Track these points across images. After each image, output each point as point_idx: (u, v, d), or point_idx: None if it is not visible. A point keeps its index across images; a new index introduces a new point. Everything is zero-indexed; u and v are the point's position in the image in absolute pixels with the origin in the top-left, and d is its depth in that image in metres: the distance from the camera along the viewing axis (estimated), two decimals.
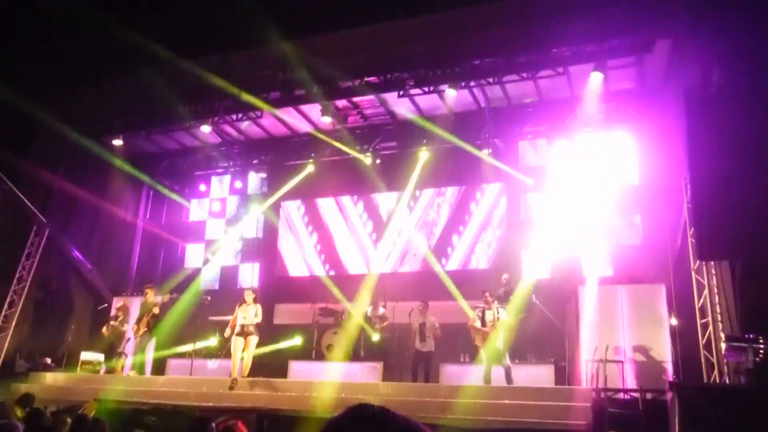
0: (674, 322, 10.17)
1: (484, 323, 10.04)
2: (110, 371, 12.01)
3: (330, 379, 10.61)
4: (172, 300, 11.75)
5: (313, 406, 8.63)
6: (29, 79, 11.89)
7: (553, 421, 7.67)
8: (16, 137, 12.71)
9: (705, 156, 8.28)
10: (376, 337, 11.44)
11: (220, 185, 16.33)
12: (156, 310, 11.77)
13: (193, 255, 16.00)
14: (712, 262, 9.32)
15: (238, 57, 12.01)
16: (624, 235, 12.10)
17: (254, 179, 15.92)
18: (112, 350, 12.07)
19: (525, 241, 12.73)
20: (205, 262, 15.04)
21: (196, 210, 16.32)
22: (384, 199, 14.47)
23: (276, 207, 15.65)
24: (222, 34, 10.62)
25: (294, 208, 15.39)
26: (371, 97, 12.77)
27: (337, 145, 13.85)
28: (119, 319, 12.11)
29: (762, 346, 6.91)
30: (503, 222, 13.30)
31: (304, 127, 14.42)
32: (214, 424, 4.57)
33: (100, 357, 12.64)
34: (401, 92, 12.26)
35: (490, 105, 12.97)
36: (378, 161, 14.29)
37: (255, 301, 10.59)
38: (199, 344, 12.02)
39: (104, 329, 12.19)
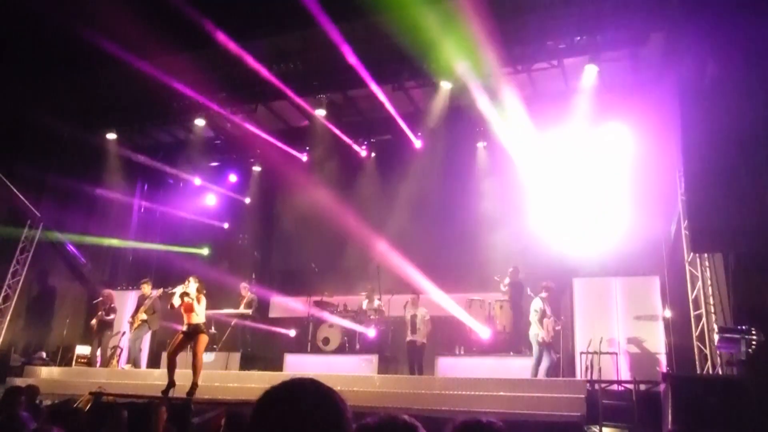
0: (668, 314, 10.23)
1: (545, 315, 9.98)
2: (105, 364, 12.05)
3: (325, 372, 10.65)
4: (167, 294, 11.75)
5: None
6: (21, 72, 11.84)
7: (548, 413, 7.70)
8: (9, 131, 12.63)
9: (699, 148, 8.30)
10: (371, 331, 11.46)
11: (215, 178, 16.26)
12: (147, 309, 11.77)
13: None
14: (706, 254, 9.37)
15: (233, 50, 11.96)
16: (618, 227, 12.12)
17: (249, 172, 15.89)
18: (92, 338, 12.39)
19: (520, 233, 12.74)
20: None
21: (191, 203, 16.26)
22: (380, 191, 14.42)
23: (271, 199, 15.64)
24: (217, 26, 10.55)
25: (289, 200, 15.33)
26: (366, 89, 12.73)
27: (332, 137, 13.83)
28: (106, 307, 12.28)
29: (754, 337, 6.95)
30: (498, 214, 13.29)
31: (299, 120, 14.41)
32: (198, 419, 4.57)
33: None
34: (396, 85, 12.23)
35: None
36: (373, 154, 14.29)
37: (200, 291, 9.18)
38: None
39: (93, 321, 12.37)
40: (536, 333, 9.88)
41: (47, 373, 11.97)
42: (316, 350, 11.82)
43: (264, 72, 11.79)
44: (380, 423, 1.40)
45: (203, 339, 9.11)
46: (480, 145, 13.52)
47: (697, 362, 9.23)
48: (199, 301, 9.06)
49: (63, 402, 8.13)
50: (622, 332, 10.42)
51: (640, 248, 11.26)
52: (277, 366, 11.43)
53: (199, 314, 9.12)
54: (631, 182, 11.83)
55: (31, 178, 13.34)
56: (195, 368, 8.98)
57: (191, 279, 9.24)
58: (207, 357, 11.69)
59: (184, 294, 9.02)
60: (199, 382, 9.05)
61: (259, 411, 1.47)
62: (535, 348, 9.86)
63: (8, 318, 13.13)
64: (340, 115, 13.76)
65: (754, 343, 6.95)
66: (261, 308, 13.30)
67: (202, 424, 7.18)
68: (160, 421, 6.45)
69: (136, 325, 11.81)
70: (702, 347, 9.18)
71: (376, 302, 11.98)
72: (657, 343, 10.13)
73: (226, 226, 16.00)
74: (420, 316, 11.11)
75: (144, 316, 11.78)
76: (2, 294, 13.18)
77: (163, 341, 12.41)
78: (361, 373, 10.57)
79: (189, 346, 9.26)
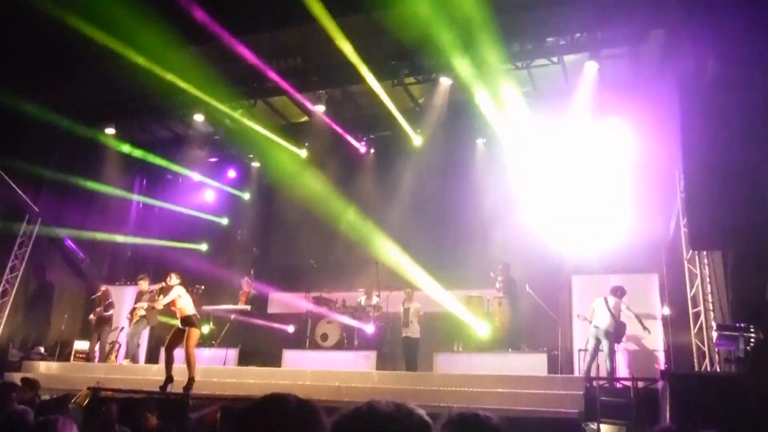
0: (666, 311, 10.23)
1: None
2: (103, 360, 12.05)
3: (323, 368, 10.65)
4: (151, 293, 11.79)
5: (307, 395, 8.64)
6: (19, 66, 11.80)
7: (546, 409, 7.71)
8: (8, 125, 12.60)
9: (698, 146, 8.29)
10: (370, 327, 11.45)
11: (213, 174, 16.23)
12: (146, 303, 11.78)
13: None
14: (705, 252, 9.36)
15: (232, 45, 11.93)
16: (617, 224, 12.10)
17: (248, 168, 15.86)
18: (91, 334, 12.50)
19: (519, 230, 12.73)
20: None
21: (189, 199, 16.22)
22: (379, 187, 14.41)
23: (270, 195, 15.62)
24: (216, 21, 10.53)
25: (288, 196, 15.31)
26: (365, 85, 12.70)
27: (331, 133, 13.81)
28: (105, 303, 12.36)
29: (753, 335, 6.96)
30: (498, 211, 13.28)
31: (298, 116, 14.38)
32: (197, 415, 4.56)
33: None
34: (395, 81, 12.21)
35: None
36: (372, 150, 14.26)
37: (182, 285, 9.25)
38: None
39: (91, 316, 12.45)
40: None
41: (45, 368, 11.98)
42: (315, 346, 11.82)
43: (263, 67, 11.76)
44: (464, 417, 1.46)
45: (194, 333, 9.12)
46: (479, 141, 13.51)
47: (695, 360, 9.24)
48: (165, 294, 9.04)
49: (61, 397, 8.14)
50: None
51: (639, 246, 11.25)
52: (276, 362, 11.43)
53: (187, 306, 9.11)
54: (631, 179, 11.82)
55: (29, 173, 13.29)
56: (188, 363, 8.97)
57: (172, 275, 9.26)
58: (206, 353, 11.73)
59: (161, 289, 9.10)
60: (197, 378, 9.05)
61: (241, 425, 1.52)
62: (608, 343, 9.66)
63: (6, 313, 13.12)
64: (339, 111, 13.72)
65: (752, 340, 6.95)
66: (260, 304, 13.29)
67: (200, 419, 7.18)
68: (109, 418, 6.46)
69: (135, 320, 11.82)
70: (700, 345, 9.18)
71: (375, 299, 11.98)
72: (655, 340, 10.13)
73: (224, 221, 15.99)
74: (413, 310, 11.14)
75: (143, 312, 11.78)
76: (0, 289, 13.16)
77: (162, 337, 12.40)
78: (360, 370, 10.58)
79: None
